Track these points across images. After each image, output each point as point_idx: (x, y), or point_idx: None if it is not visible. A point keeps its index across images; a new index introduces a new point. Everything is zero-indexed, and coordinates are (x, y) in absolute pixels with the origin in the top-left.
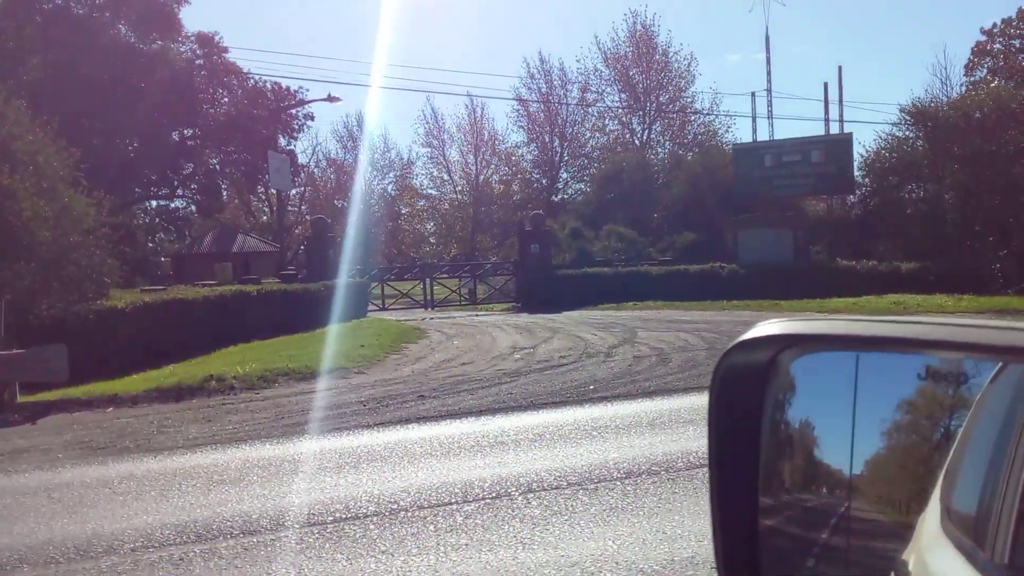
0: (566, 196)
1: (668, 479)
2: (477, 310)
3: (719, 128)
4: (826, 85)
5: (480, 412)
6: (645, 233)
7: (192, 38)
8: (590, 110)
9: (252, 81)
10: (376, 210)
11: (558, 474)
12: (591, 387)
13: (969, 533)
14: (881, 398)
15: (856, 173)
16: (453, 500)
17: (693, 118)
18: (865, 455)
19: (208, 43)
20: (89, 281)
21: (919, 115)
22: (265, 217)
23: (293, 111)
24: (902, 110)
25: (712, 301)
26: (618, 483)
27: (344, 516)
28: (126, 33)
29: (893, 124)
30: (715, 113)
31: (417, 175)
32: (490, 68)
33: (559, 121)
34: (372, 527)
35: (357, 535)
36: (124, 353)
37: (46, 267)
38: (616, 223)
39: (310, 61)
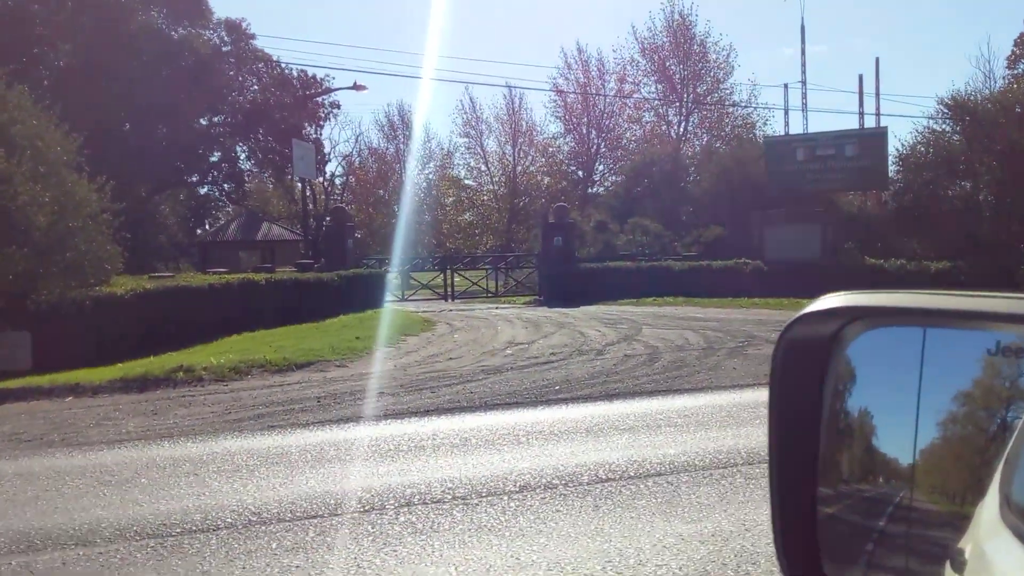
0: (602, 189)
1: (560, 495)
2: (499, 302)
3: (757, 121)
4: (861, 77)
5: (427, 412)
6: (675, 227)
7: (220, 24)
8: (627, 102)
9: (280, 68)
10: (418, 200)
11: (450, 485)
12: (557, 388)
13: None
14: (948, 375)
15: (891, 168)
16: (322, 513)
17: (731, 111)
18: (925, 442)
19: (235, 30)
20: (89, 267)
21: (957, 108)
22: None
23: (320, 99)
24: (940, 102)
25: (733, 298)
26: (505, 498)
27: (192, 529)
28: (154, 19)
29: (929, 117)
30: (752, 105)
31: (455, 165)
32: (528, 59)
33: (596, 112)
34: (215, 542)
35: (192, 551)
36: (122, 340)
37: (41, 252)
38: (644, 216)
39: (340, 50)
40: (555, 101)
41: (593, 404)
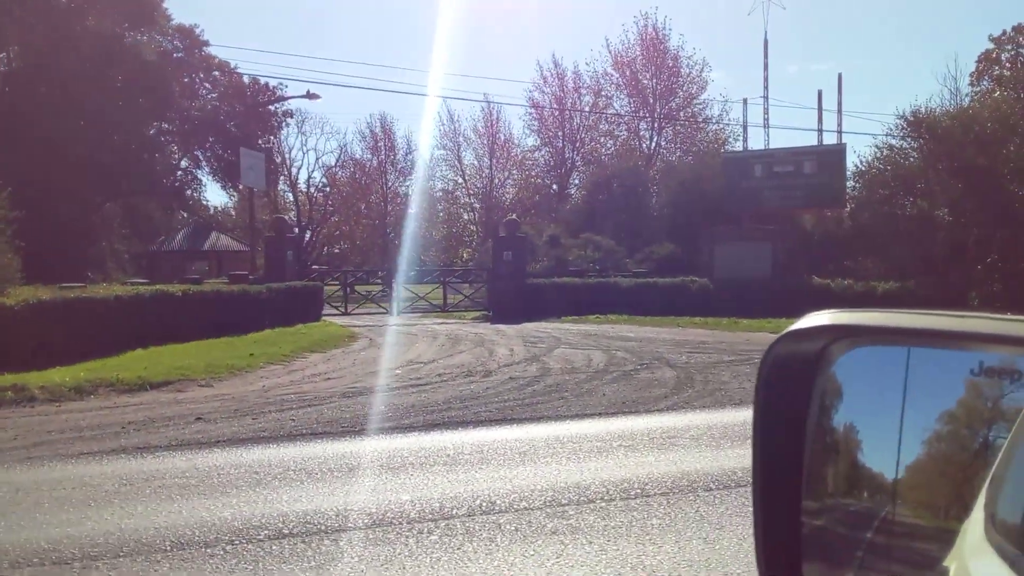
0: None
1: (254, 548)
2: (447, 317)
3: (728, 137)
4: (820, 93)
5: (218, 443)
6: (633, 243)
7: (172, 30)
8: (602, 115)
9: (237, 75)
10: (397, 213)
11: (148, 535)
12: (390, 415)
13: (1015, 541)
14: (932, 394)
15: (849, 185)
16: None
17: (703, 126)
18: (909, 459)
19: (188, 35)
20: None
21: (916, 124)
22: (293, 213)
23: (272, 108)
24: (899, 117)
25: (676, 316)
26: (175, 553)
27: None
28: (105, 24)
29: (887, 134)
30: (722, 122)
31: (435, 177)
32: (506, 74)
33: (571, 126)
34: None
35: None
36: (10, 354)
37: None
38: (601, 231)
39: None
40: (531, 114)
41: (404, 435)
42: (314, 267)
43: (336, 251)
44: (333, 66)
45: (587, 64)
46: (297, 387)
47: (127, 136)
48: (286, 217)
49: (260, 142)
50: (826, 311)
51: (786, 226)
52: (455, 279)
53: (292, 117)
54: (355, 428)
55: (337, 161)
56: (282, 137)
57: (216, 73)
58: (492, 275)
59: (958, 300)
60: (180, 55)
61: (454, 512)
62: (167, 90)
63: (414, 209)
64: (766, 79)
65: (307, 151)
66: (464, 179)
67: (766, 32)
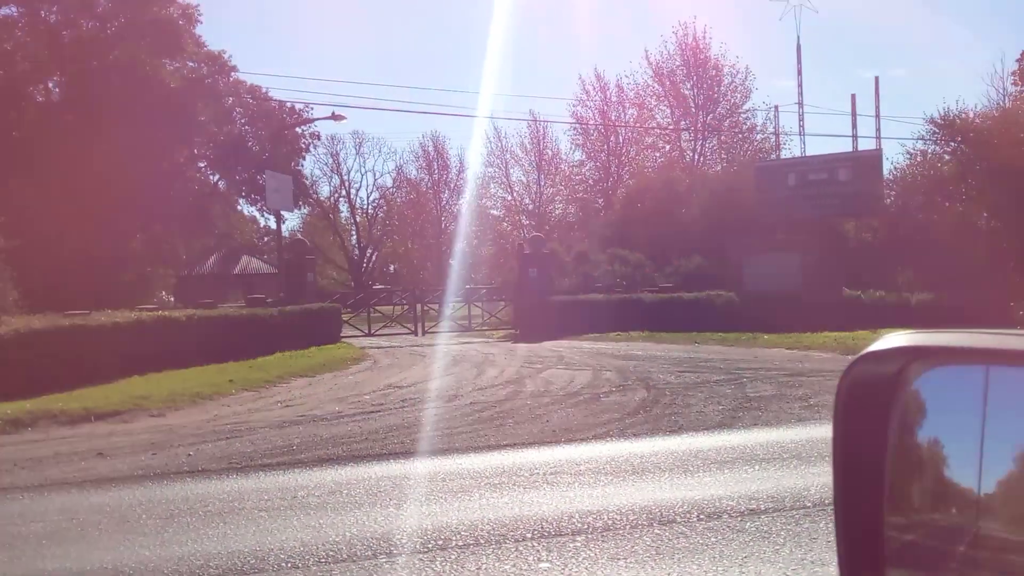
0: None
1: None
2: (473, 337)
3: (784, 144)
4: (854, 97)
5: (78, 484)
6: (665, 257)
7: (201, 56)
8: (646, 128)
9: (270, 100)
10: (450, 233)
11: None
12: (295, 448)
13: None
14: (1013, 413)
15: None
16: None
17: (748, 135)
18: (1000, 474)
19: (215, 61)
20: None
21: (946, 126)
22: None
23: (299, 130)
24: (929, 121)
25: (698, 332)
26: None
27: None
28: (132, 52)
29: (918, 138)
30: (765, 132)
31: (481, 196)
32: (548, 91)
33: (617, 139)
34: None
35: None
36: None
37: None
38: (635, 245)
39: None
40: (575, 129)
41: (284, 473)
42: (376, 287)
43: (393, 271)
44: (387, 91)
45: (627, 77)
46: (245, 416)
47: (153, 163)
48: (306, 240)
49: (293, 164)
50: (903, 332)
51: (818, 237)
52: (494, 297)
53: (319, 139)
54: (242, 464)
55: (393, 183)
56: (341, 159)
57: (248, 98)
58: (517, 293)
59: (998, 312)
60: (209, 81)
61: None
62: (192, 117)
63: (462, 227)
64: (800, 85)
65: (365, 172)
66: (512, 195)
67: (798, 37)
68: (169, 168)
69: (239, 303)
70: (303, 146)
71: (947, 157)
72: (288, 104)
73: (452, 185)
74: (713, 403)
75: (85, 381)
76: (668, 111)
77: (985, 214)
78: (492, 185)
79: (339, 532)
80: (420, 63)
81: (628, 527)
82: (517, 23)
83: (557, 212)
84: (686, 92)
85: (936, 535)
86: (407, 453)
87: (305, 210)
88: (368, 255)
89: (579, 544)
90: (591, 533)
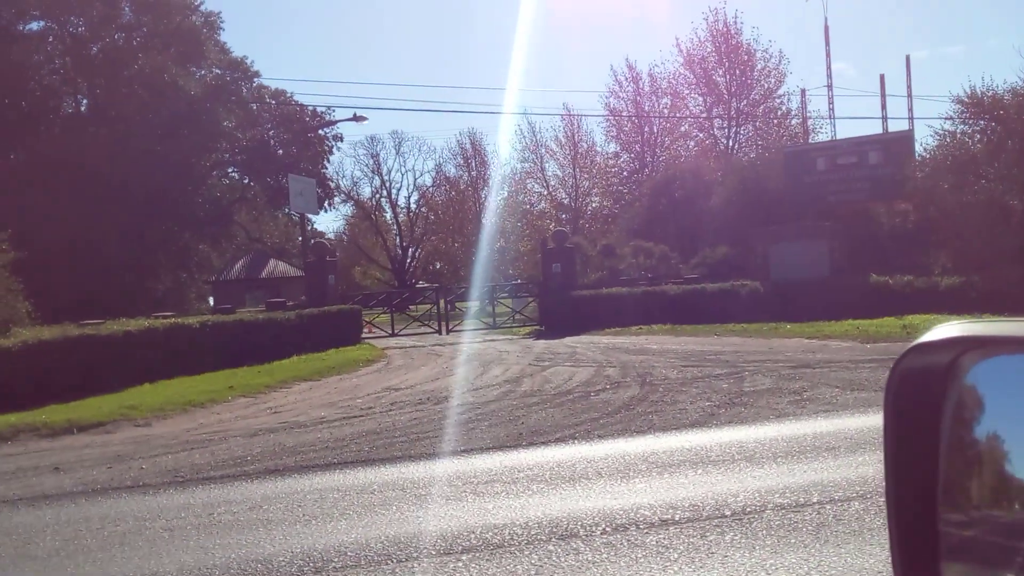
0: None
1: None
2: (497, 334)
3: (812, 130)
4: (883, 78)
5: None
6: (693, 247)
7: (225, 63)
8: (678, 117)
9: (295, 105)
10: (488, 230)
11: None
12: (253, 458)
13: None
14: None
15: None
16: None
17: (783, 121)
18: None
19: (238, 67)
20: None
21: (973, 104)
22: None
23: (323, 132)
24: (955, 100)
25: (722, 324)
26: None
27: None
28: (155, 61)
29: (945, 117)
30: (799, 116)
31: (518, 191)
32: (581, 85)
33: (650, 129)
34: None
35: None
36: (10, 394)
37: None
38: (662, 237)
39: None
40: (608, 121)
41: (228, 485)
42: (418, 285)
43: (434, 269)
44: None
45: (659, 66)
46: (229, 425)
47: (176, 170)
48: (326, 242)
49: (319, 167)
50: (955, 322)
51: (847, 222)
52: (522, 293)
53: (341, 142)
54: (187, 477)
55: (433, 182)
56: (380, 160)
57: (271, 102)
58: (541, 289)
59: None
60: (233, 87)
61: None
62: (216, 124)
63: (495, 223)
64: (829, 67)
65: (405, 172)
66: (548, 190)
67: (826, 18)
68: (195, 175)
69: (260, 307)
70: (327, 148)
71: (977, 136)
72: (310, 108)
73: (490, 182)
74: (702, 399)
75: (95, 391)
76: (700, 99)
77: (1019, 195)
78: (528, 180)
79: (226, 554)
80: (452, 61)
81: (524, 543)
82: (547, 16)
83: (593, 206)
84: (718, 79)
85: (997, 531)
86: (358, 462)
87: (347, 210)
88: (411, 254)
89: (462, 563)
90: (482, 551)
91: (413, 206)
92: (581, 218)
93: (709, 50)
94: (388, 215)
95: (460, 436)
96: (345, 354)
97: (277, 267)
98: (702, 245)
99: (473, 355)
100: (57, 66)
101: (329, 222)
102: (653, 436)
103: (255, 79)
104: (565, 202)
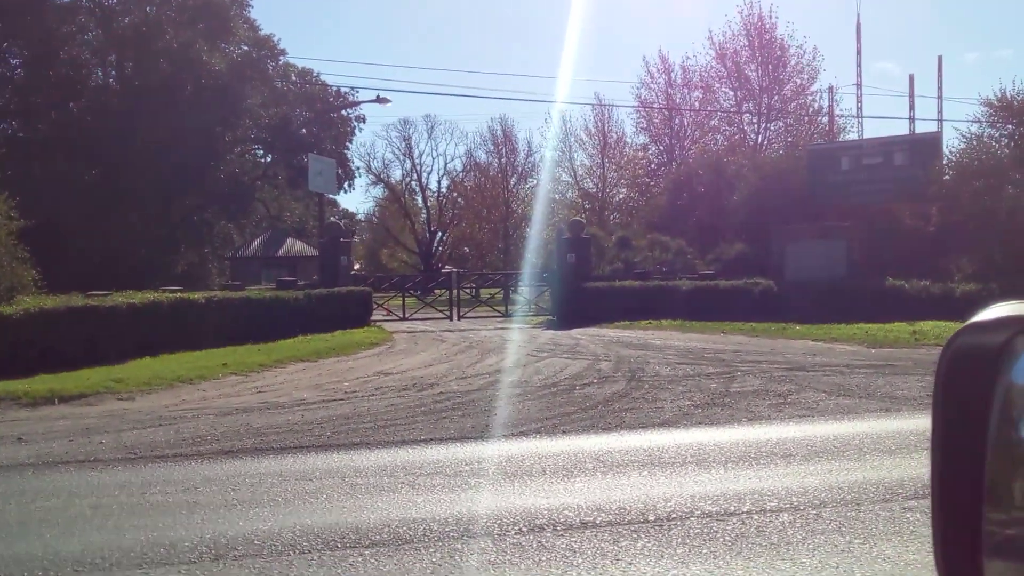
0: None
1: None
2: (508, 323)
3: (844, 128)
4: (912, 77)
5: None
6: (712, 243)
7: (252, 40)
8: (710, 110)
9: (321, 83)
10: (517, 215)
11: None
12: (205, 438)
13: None
14: None
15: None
16: None
17: (815, 118)
18: None
19: (265, 44)
20: None
21: (1003, 108)
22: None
23: (346, 113)
24: (984, 103)
25: (731, 322)
26: None
27: None
28: (181, 37)
29: (974, 121)
30: (825, 114)
31: (543, 180)
32: (612, 75)
33: (681, 122)
34: None
35: None
36: (11, 361)
37: None
38: (682, 231)
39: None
40: (639, 112)
41: (175, 464)
42: (444, 269)
43: (462, 253)
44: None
45: (691, 59)
46: (209, 402)
47: (200, 145)
48: (339, 224)
49: (341, 148)
50: (1010, 301)
51: (867, 223)
52: (539, 283)
53: (364, 122)
54: (140, 455)
55: (463, 168)
56: (412, 143)
57: (295, 79)
58: (554, 278)
59: None
60: (260, 65)
61: None
62: (239, 100)
63: (522, 211)
64: (859, 65)
65: (436, 156)
66: (575, 179)
67: (858, 15)
68: (218, 151)
69: (271, 285)
70: (349, 129)
71: (1005, 140)
72: (333, 88)
73: (520, 169)
74: (684, 398)
75: (93, 362)
76: (731, 93)
77: None
78: (556, 169)
79: (137, 535)
80: (485, 47)
81: (434, 539)
82: (585, 5)
83: (619, 197)
84: (750, 73)
85: None
86: (313, 447)
87: (378, 192)
88: (439, 238)
89: (362, 558)
90: (387, 546)
91: (443, 190)
92: (607, 209)
93: (742, 44)
94: (419, 199)
95: (428, 425)
96: (350, 336)
97: (295, 246)
98: (721, 241)
99: (476, 342)
100: (88, 38)
101: (358, 203)
102: (617, 434)
103: (280, 57)
104: (592, 191)
